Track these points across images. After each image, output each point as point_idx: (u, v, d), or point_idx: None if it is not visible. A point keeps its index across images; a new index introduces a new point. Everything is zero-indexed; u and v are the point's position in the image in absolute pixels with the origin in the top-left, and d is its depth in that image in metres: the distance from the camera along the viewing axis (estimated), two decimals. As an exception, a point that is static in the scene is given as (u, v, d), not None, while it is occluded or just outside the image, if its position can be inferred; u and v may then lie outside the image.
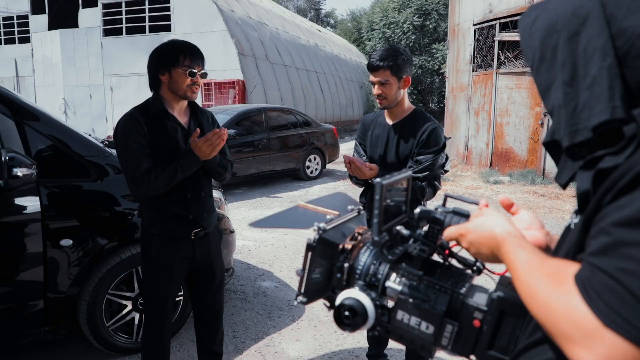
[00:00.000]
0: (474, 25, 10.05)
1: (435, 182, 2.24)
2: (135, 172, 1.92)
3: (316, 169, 9.81)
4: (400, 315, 0.84)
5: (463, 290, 0.83)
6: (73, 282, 2.60)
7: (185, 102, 2.10)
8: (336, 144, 10.40)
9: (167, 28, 16.15)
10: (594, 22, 0.64)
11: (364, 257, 0.92)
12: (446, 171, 2.29)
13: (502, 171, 9.45)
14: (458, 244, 0.86)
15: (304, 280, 0.90)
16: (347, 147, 15.35)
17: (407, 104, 2.30)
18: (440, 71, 24.72)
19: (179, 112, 2.07)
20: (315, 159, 9.77)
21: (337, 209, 1.13)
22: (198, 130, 1.98)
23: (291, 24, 22.56)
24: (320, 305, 3.32)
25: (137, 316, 2.88)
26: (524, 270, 0.67)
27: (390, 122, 2.32)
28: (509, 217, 0.82)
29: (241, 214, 6.74)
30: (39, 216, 2.43)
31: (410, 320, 0.83)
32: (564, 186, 0.71)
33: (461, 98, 10.82)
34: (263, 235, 5.65)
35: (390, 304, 0.88)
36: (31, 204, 2.41)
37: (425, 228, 0.90)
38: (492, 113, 9.60)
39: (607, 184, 0.60)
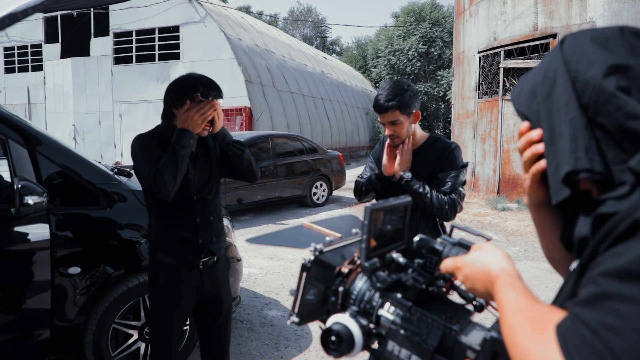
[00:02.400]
0: (479, 52, 10.16)
1: (457, 198, 2.14)
2: (149, 175, 1.90)
3: (323, 196, 9.81)
4: (391, 346, 0.81)
5: (457, 326, 0.79)
6: (80, 310, 2.58)
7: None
8: (342, 171, 10.42)
9: (176, 56, 16.46)
10: (560, 80, 0.68)
11: (360, 283, 0.89)
12: (464, 194, 2.24)
13: (510, 198, 9.40)
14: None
15: (298, 300, 0.88)
16: (353, 174, 15.38)
17: (420, 133, 2.27)
18: (446, 98, 24.90)
19: None
20: (321, 185, 9.77)
21: (342, 232, 1.11)
22: (188, 102, 1.94)
23: (297, 52, 22.95)
24: None
25: (142, 346, 2.84)
26: (509, 311, 0.66)
27: None
28: (509, 254, 0.80)
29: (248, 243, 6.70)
30: (48, 244, 2.43)
31: (400, 352, 0.80)
32: (566, 247, 0.73)
33: (467, 124, 10.87)
34: (270, 263, 5.61)
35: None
36: (41, 231, 2.41)
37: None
38: (499, 139, 9.61)
39: (604, 229, 0.58)
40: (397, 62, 29.35)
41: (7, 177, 2.54)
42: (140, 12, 16.27)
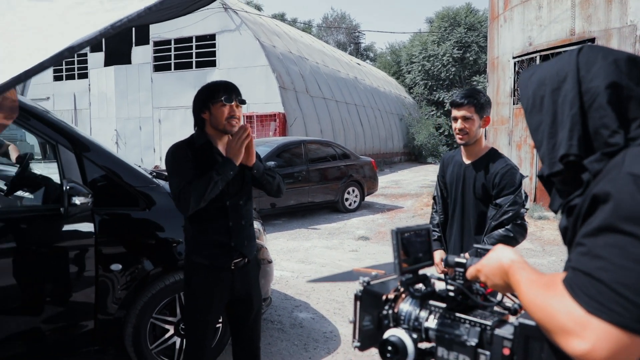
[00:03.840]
0: (514, 58, 10.01)
1: (521, 222, 2.26)
2: (178, 187, 2.03)
3: (355, 201, 9.85)
4: (440, 351, 0.93)
5: (491, 323, 0.90)
6: (121, 305, 2.74)
7: (226, 136, 2.21)
8: (375, 177, 10.45)
9: (213, 64, 16.91)
10: (570, 80, 0.86)
11: (406, 305, 1.02)
12: (527, 209, 2.34)
13: (547, 206, 9.18)
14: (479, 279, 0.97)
15: (357, 327, 1.02)
16: (386, 180, 15.34)
17: (484, 143, 2.41)
18: (481, 103, 24.43)
19: (222, 146, 2.20)
20: (353, 191, 9.83)
21: (388, 271, 1.23)
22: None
23: (331, 58, 23.11)
24: None
25: (178, 341, 2.98)
26: (525, 287, 0.82)
27: (467, 161, 2.42)
28: (517, 251, 0.93)
29: (280, 245, 6.84)
30: (92, 241, 2.60)
31: (449, 355, 0.91)
32: (555, 212, 0.91)
33: (502, 131, 10.70)
34: (301, 267, 5.71)
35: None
36: (86, 229, 2.59)
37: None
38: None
39: (574, 214, 0.79)
40: (432, 68, 29.11)
41: (56, 179, 2.74)
42: (178, 21, 16.81)
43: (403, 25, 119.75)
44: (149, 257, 2.84)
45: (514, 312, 0.98)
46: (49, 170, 3.46)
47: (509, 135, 10.30)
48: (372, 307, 1.04)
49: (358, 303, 1.02)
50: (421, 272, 1.09)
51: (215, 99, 2.09)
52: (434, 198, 2.70)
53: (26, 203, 2.92)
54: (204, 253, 2.14)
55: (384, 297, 1.04)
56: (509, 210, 2.21)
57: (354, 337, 1.02)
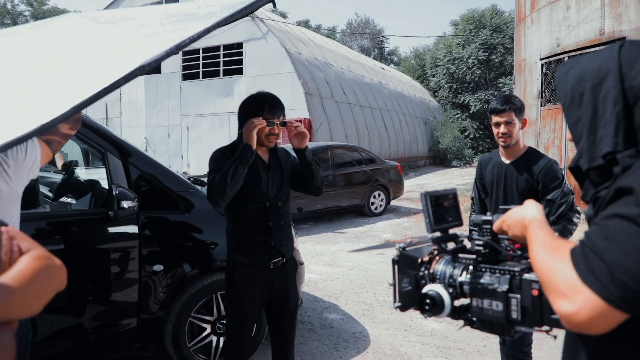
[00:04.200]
0: (541, 59, 9.91)
1: (575, 207, 2.41)
2: (210, 181, 2.18)
3: (380, 205, 9.90)
4: (475, 302, 1.00)
5: (519, 269, 0.97)
6: (162, 304, 2.89)
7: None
8: (400, 181, 10.48)
9: (240, 71, 17.23)
10: (612, 77, 0.87)
11: (440, 265, 1.10)
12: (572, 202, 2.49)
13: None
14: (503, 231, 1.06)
15: (396, 289, 1.12)
16: (411, 184, 15.31)
17: (522, 143, 2.57)
18: (508, 106, 24.11)
19: (260, 151, 2.33)
20: (379, 195, 9.88)
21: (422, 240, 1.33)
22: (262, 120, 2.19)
23: (355, 63, 23.22)
24: (385, 338, 3.47)
25: (214, 339, 3.12)
26: (536, 245, 0.90)
27: (507, 160, 2.57)
28: (541, 207, 1.01)
29: (307, 248, 6.95)
30: (137, 243, 2.77)
31: (483, 303, 0.99)
32: (587, 202, 0.94)
33: (529, 133, 10.58)
34: (329, 270, 5.81)
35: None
36: (131, 231, 2.75)
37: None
38: (563, 148, 9.30)
39: (598, 203, 0.86)
40: (457, 71, 28.90)
41: (103, 184, 2.92)
42: (206, 30, 17.21)
43: (427, 28, 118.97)
44: (188, 258, 2.99)
45: None
46: (91, 176, 3.67)
47: (537, 137, 10.19)
48: (409, 270, 1.12)
49: (396, 267, 1.11)
50: (451, 231, 1.18)
51: (258, 115, 2.22)
52: (472, 199, 2.85)
53: (76, 207, 3.11)
54: (245, 252, 2.27)
55: (419, 260, 1.12)
56: (562, 202, 2.36)
57: (394, 299, 1.11)
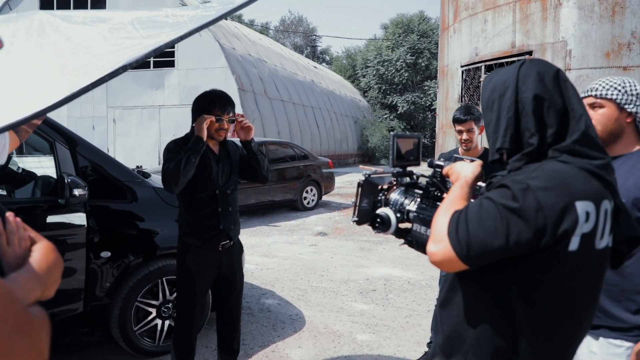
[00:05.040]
0: (462, 66, 10.76)
1: None
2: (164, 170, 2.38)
3: (312, 200, 10.27)
4: (416, 227, 1.25)
5: None
6: (108, 290, 3.00)
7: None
8: (332, 177, 10.91)
9: (171, 64, 16.86)
10: (511, 89, 1.13)
11: (395, 194, 1.35)
12: None
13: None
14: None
15: (357, 207, 1.35)
16: (342, 180, 15.85)
17: (480, 146, 3.00)
18: (432, 107, 25.53)
19: (211, 143, 2.55)
20: (311, 190, 10.24)
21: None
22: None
23: (289, 61, 23.47)
24: (319, 319, 3.82)
25: (159, 323, 3.27)
26: (449, 197, 1.16)
27: None
28: (479, 166, 1.24)
29: (243, 241, 6.97)
30: (84, 231, 2.86)
31: (421, 229, 1.23)
32: (484, 182, 1.22)
33: (450, 134, 11.42)
34: (264, 260, 6.05)
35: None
36: (80, 219, 2.84)
37: None
38: (480, 146, 10.17)
39: (490, 187, 1.14)
40: (386, 72, 30.00)
41: (48, 172, 2.97)
42: (136, 20, 16.66)
43: (359, 29, 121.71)
44: (135, 245, 3.12)
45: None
46: (29, 165, 3.66)
47: (457, 138, 11.02)
48: (370, 194, 1.36)
49: (360, 189, 1.34)
50: (409, 169, 1.42)
51: (210, 112, 2.44)
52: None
53: (19, 196, 3.12)
54: (197, 235, 2.48)
55: (379, 187, 1.36)
56: None
57: (353, 214, 1.35)
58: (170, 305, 3.28)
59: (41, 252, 0.88)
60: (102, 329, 3.08)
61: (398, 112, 29.92)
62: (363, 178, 1.36)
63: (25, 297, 0.77)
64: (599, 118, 1.62)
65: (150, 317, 3.24)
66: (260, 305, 4.39)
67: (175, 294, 3.30)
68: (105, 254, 2.96)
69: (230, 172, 2.60)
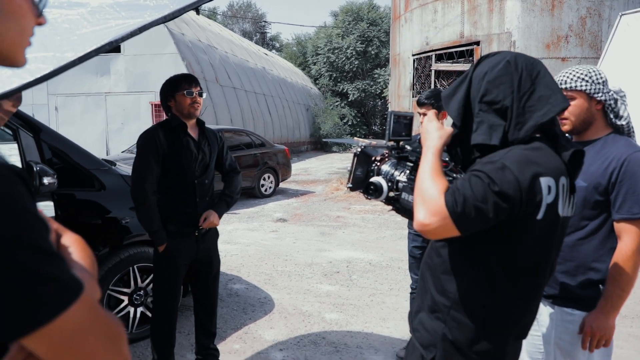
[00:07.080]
0: (413, 55, 11.07)
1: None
2: (138, 182, 2.43)
3: (270, 187, 10.31)
4: (404, 195, 1.37)
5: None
6: (79, 278, 2.96)
7: (194, 121, 2.59)
8: (288, 164, 10.97)
9: (117, 49, 16.17)
10: (464, 86, 1.31)
11: (386, 166, 1.46)
12: None
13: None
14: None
15: (351, 175, 1.45)
16: (296, 167, 15.94)
17: None
18: (383, 95, 26.01)
19: (191, 128, 2.57)
20: (269, 177, 10.27)
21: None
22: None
23: (239, 48, 23.12)
24: (287, 301, 3.95)
25: (132, 310, 3.26)
26: (426, 163, 1.24)
27: None
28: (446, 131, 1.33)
29: (203, 229, 7.08)
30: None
31: (408, 198, 1.35)
32: (456, 165, 1.38)
33: (403, 121, 11.76)
34: (228, 247, 6.07)
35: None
36: (48, 208, 2.78)
37: None
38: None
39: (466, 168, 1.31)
40: (336, 60, 30.16)
41: (12, 161, 2.87)
42: (77, 2, 15.84)
43: (309, 16, 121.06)
44: (103, 233, 3.09)
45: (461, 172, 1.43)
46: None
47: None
48: (364, 164, 1.46)
49: (355, 159, 1.44)
50: (401, 144, 1.51)
51: (178, 90, 2.46)
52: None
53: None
54: (174, 222, 2.51)
55: (373, 158, 1.47)
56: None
57: (348, 181, 1.45)
58: (142, 292, 3.28)
59: (78, 247, 0.78)
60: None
61: (349, 100, 30.26)
62: (359, 149, 1.47)
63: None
64: (572, 110, 1.76)
65: (122, 305, 3.23)
66: (229, 290, 4.44)
67: (146, 282, 3.31)
68: (75, 243, 2.91)
69: (208, 162, 2.64)
